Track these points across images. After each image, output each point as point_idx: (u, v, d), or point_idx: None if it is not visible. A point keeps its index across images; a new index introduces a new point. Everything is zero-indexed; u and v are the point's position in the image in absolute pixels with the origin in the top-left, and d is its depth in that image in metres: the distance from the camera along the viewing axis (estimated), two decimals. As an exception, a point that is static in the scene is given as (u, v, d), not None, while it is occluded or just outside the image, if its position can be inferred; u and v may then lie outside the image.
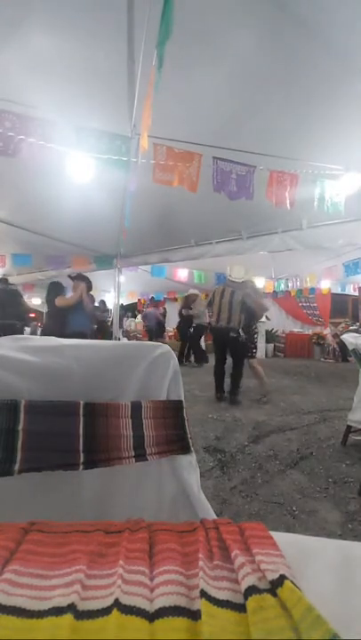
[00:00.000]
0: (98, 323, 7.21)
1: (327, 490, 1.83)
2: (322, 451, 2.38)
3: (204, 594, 0.35)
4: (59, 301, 3.91)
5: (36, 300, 12.16)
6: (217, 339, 4.03)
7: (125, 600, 0.33)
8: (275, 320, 9.32)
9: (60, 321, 3.96)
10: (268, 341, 8.64)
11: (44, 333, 4.63)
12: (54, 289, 4.09)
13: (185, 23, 1.58)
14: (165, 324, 9.49)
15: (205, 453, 2.34)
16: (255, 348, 4.17)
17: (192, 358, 7.00)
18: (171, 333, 10.88)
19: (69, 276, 4.44)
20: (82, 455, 0.57)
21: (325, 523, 1.54)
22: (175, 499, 0.64)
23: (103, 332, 7.22)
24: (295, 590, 0.34)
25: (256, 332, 4.19)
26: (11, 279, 5.99)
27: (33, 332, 6.98)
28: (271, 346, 8.91)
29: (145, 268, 6.06)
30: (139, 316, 10.85)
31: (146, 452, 0.61)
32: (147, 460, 0.61)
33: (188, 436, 0.68)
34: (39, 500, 0.59)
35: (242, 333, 3.66)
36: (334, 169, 2.69)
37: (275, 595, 0.34)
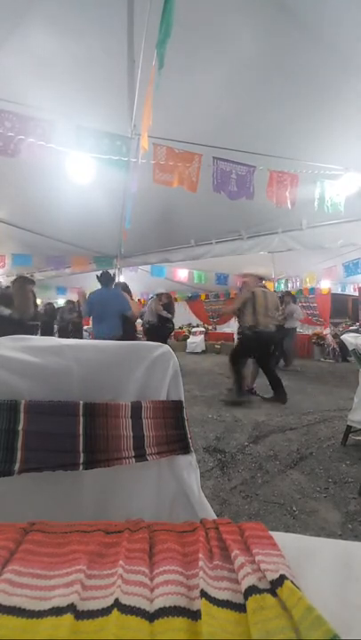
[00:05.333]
0: (73, 324, 7.27)
1: (327, 490, 1.83)
2: (322, 451, 2.38)
3: (204, 594, 0.35)
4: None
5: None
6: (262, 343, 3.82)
7: (125, 600, 0.33)
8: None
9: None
10: (268, 341, 8.61)
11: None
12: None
13: (185, 23, 1.58)
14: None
15: (205, 453, 2.34)
16: None
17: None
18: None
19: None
20: (82, 455, 0.57)
21: (325, 523, 1.54)
22: (175, 499, 0.64)
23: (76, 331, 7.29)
24: (295, 590, 0.34)
25: None
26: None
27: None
28: (271, 346, 8.89)
29: (145, 268, 6.05)
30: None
31: (146, 452, 0.61)
32: (147, 460, 0.61)
33: (188, 436, 0.68)
34: (39, 499, 0.59)
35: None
36: (334, 169, 2.69)
37: (275, 595, 0.34)
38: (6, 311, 4.05)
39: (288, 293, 7.08)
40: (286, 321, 6.35)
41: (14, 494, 0.58)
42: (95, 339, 3.66)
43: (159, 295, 5.77)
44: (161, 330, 5.62)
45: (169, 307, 5.80)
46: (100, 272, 3.93)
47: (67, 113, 2.18)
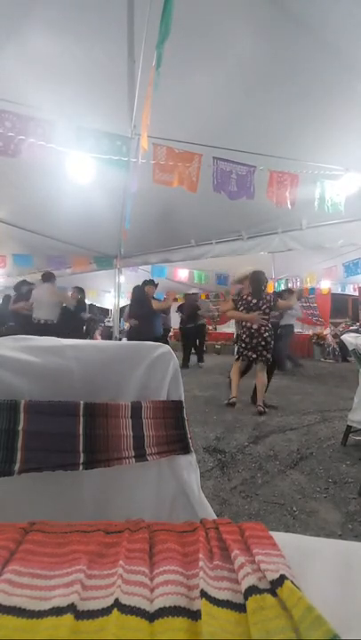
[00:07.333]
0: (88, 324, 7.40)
1: (327, 490, 1.83)
2: (322, 451, 2.38)
3: (204, 594, 0.35)
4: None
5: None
6: None
7: (125, 600, 0.33)
8: (275, 320, 9.30)
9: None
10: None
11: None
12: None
13: (185, 23, 1.58)
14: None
15: (205, 453, 2.34)
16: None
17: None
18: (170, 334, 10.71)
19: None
20: (82, 455, 0.57)
21: (325, 523, 1.54)
22: (175, 499, 0.64)
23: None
24: (295, 590, 0.34)
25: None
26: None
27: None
28: (271, 346, 8.87)
29: (145, 268, 6.05)
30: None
31: (146, 452, 0.61)
32: (147, 460, 0.61)
33: (189, 436, 0.68)
34: (39, 499, 0.59)
35: None
36: (334, 169, 2.69)
37: (275, 595, 0.34)
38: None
39: (288, 290, 6.75)
40: (282, 318, 5.65)
41: (14, 494, 0.58)
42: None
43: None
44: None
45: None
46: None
47: (67, 113, 2.18)
